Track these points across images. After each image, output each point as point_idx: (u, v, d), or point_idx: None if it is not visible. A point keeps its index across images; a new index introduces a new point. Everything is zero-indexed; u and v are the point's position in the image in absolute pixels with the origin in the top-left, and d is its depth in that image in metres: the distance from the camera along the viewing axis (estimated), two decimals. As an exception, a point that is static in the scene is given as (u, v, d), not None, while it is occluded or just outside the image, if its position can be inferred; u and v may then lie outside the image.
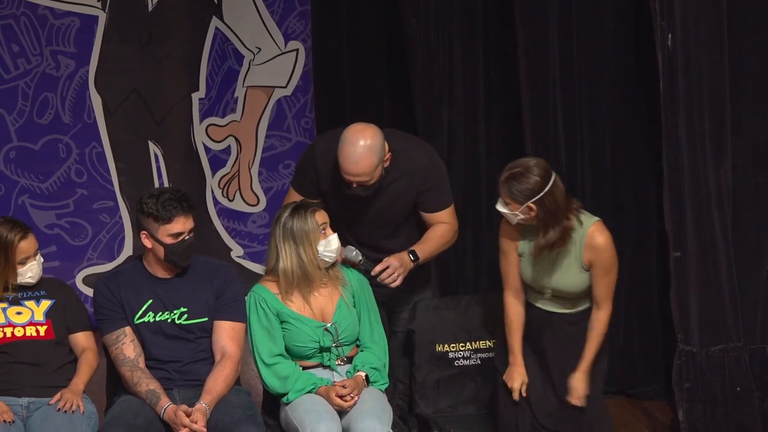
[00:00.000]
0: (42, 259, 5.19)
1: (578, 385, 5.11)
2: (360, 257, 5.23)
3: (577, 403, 5.11)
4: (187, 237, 4.99)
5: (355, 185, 5.14)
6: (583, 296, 5.15)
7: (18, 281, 5.11)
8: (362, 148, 5.09)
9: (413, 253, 5.28)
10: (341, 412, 5.02)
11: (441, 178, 5.37)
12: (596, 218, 5.09)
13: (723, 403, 5.83)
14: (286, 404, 5.05)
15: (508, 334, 5.20)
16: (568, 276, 5.08)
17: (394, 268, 5.21)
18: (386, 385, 5.19)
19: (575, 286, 5.11)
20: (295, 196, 5.38)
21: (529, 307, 5.21)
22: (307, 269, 5.09)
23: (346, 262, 5.25)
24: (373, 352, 5.18)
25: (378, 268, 5.21)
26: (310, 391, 5.04)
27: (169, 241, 4.97)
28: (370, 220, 5.31)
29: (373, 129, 5.15)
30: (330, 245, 5.12)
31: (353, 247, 5.24)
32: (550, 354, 5.19)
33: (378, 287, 5.28)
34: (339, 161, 5.11)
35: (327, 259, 5.14)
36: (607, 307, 5.09)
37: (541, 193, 4.93)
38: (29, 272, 5.12)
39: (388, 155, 5.19)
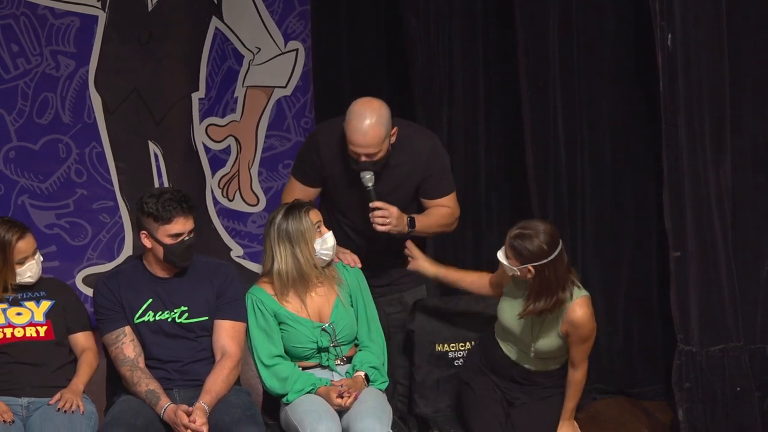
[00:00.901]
0: (41, 259, 5.18)
1: None
2: (372, 183, 5.20)
3: None
4: (186, 238, 4.98)
5: (363, 158, 5.14)
6: (556, 357, 5.15)
7: (17, 281, 5.10)
8: (370, 119, 5.10)
9: (412, 219, 5.28)
10: (341, 412, 5.02)
11: (444, 166, 5.39)
12: (585, 293, 5.08)
13: (723, 403, 5.83)
14: (286, 404, 5.05)
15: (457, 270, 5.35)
16: (548, 339, 5.09)
17: (390, 214, 5.20)
18: (386, 384, 5.18)
19: (550, 347, 5.11)
20: (295, 185, 5.38)
21: (498, 352, 5.21)
22: (303, 269, 5.09)
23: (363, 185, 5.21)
24: (372, 351, 5.18)
25: (378, 204, 5.20)
26: (309, 392, 5.04)
27: (168, 241, 4.96)
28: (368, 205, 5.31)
29: (380, 102, 5.18)
30: (326, 243, 5.12)
31: (371, 175, 5.22)
32: (512, 394, 5.20)
33: (372, 278, 5.32)
34: (347, 134, 5.12)
35: (324, 258, 5.14)
36: (583, 368, 5.12)
37: (543, 261, 4.94)
38: (28, 272, 5.11)
39: (394, 130, 5.21)
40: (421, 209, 5.40)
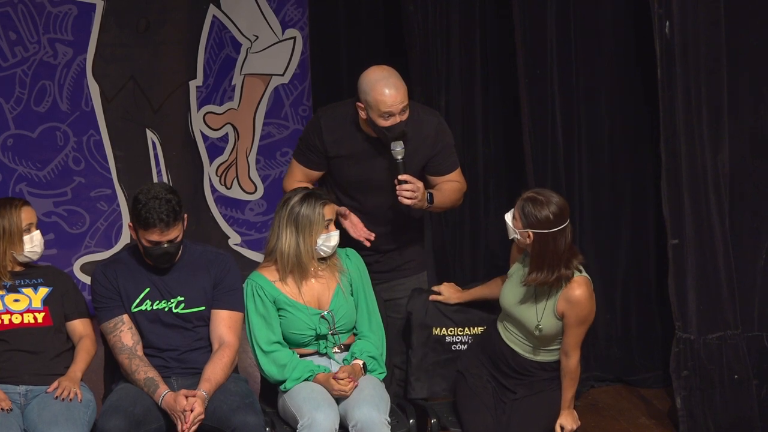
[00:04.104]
0: (42, 239, 5.19)
1: (566, 422, 5.14)
2: (402, 155, 5.19)
3: None
4: (166, 245, 4.97)
5: (398, 118, 5.12)
6: (551, 341, 5.16)
7: (24, 251, 5.09)
8: (390, 75, 5.14)
9: (431, 195, 5.28)
10: (339, 400, 5.02)
11: (450, 141, 5.40)
12: (586, 275, 5.08)
13: (721, 390, 5.84)
14: (284, 392, 5.05)
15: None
16: (547, 319, 5.08)
17: (417, 188, 5.19)
18: (384, 375, 5.18)
19: (551, 328, 5.10)
20: (296, 168, 5.37)
21: (499, 342, 5.22)
22: (302, 257, 5.09)
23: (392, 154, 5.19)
24: (371, 341, 5.18)
25: (407, 177, 5.19)
26: (307, 379, 5.05)
27: (146, 243, 4.96)
28: (378, 185, 5.29)
29: (383, 65, 5.24)
30: (330, 240, 5.12)
31: (401, 147, 5.21)
32: (510, 387, 5.19)
33: (374, 264, 5.34)
34: (379, 101, 5.10)
35: (323, 253, 5.14)
36: (575, 356, 5.10)
37: (545, 231, 4.94)
38: (35, 241, 5.10)
39: None
40: (426, 186, 5.39)
